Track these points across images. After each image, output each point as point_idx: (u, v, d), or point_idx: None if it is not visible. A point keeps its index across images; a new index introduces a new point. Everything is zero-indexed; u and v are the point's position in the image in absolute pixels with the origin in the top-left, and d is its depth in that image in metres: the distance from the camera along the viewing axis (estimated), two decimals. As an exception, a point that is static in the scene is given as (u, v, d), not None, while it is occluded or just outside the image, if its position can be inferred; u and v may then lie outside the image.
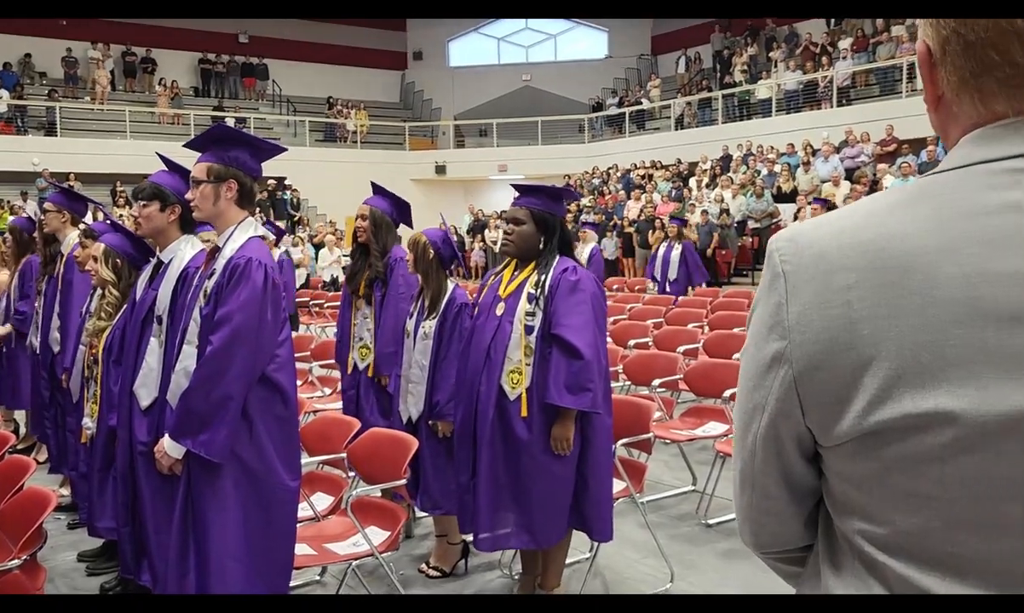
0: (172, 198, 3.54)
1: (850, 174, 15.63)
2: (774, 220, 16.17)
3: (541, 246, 3.61)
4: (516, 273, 3.66)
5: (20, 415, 6.85)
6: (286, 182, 22.01)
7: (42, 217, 5.56)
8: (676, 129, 22.93)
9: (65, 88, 23.06)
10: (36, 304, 5.64)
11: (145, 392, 3.37)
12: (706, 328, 8.34)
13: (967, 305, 0.83)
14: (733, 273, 16.24)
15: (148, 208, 3.54)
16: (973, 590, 0.86)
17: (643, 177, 20.26)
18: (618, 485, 4.01)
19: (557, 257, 3.60)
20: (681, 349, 6.79)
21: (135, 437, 3.40)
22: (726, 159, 19.04)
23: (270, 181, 20.78)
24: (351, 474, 4.05)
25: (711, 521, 4.89)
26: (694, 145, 20.83)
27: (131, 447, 3.44)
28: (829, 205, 14.36)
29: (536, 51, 29.54)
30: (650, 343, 7.69)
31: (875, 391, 0.86)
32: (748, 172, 17.59)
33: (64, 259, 5.28)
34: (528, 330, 3.51)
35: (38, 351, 5.52)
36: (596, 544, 3.80)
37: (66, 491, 5.01)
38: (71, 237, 5.30)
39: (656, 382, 5.80)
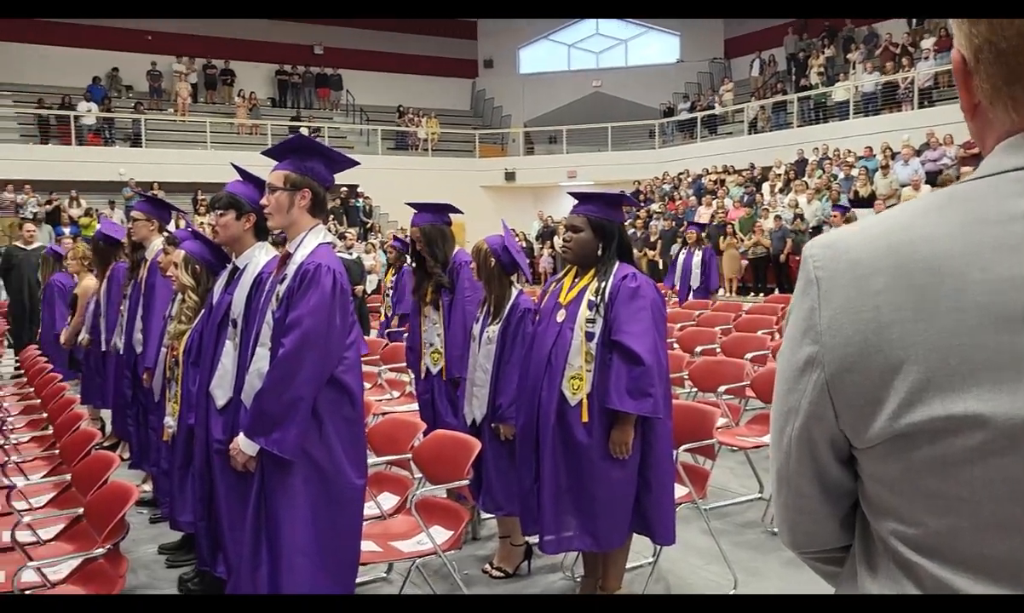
0: (247, 207, 3.69)
1: (932, 178, 15.20)
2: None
3: (600, 252, 3.65)
4: (576, 280, 3.70)
5: (106, 413, 7.15)
6: (358, 190, 22.44)
7: (130, 225, 5.80)
8: (749, 133, 22.62)
9: (150, 100, 23.97)
10: (121, 307, 5.89)
11: (221, 392, 3.51)
12: (776, 335, 8.23)
13: (994, 310, 0.85)
14: (806, 279, 15.91)
15: (225, 217, 3.69)
16: (1005, 590, 0.87)
17: (715, 182, 20.05)
18: (681, 490, 4.01)
19: (617, 264, 3.64)
20: (749, 356, 6.72)
21: (211, 435, 3.55)
22: (801, 163, 18.70)
23: (343, 189, 21.22)
24: (417, 475, 4.14)
25: (776, 529, 4.83)
26: (768, 149, 20.51)
27: (207, 445, 3.59)
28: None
29: (606, 57, 29.49)
30: (717, 349, 7.63)
31: (905, 394, 0.88)
32: (824, 176, 17.25)
33: (148, 264, 5.50)
34: (588, 336, 3.55)
35: (122, 352, 5.76)
36: (658, 548, 3.81)
37: (148, 487, 5.23)
38: (156, 243, 5.53)
39: (722, 388, 5.76)
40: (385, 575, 4.29)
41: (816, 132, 20.10)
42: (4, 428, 5.30)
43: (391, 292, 9.75)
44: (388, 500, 4.08)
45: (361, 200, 22.34)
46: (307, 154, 3.27)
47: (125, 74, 24.30)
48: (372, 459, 3.75)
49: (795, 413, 1.00)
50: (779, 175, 18.78)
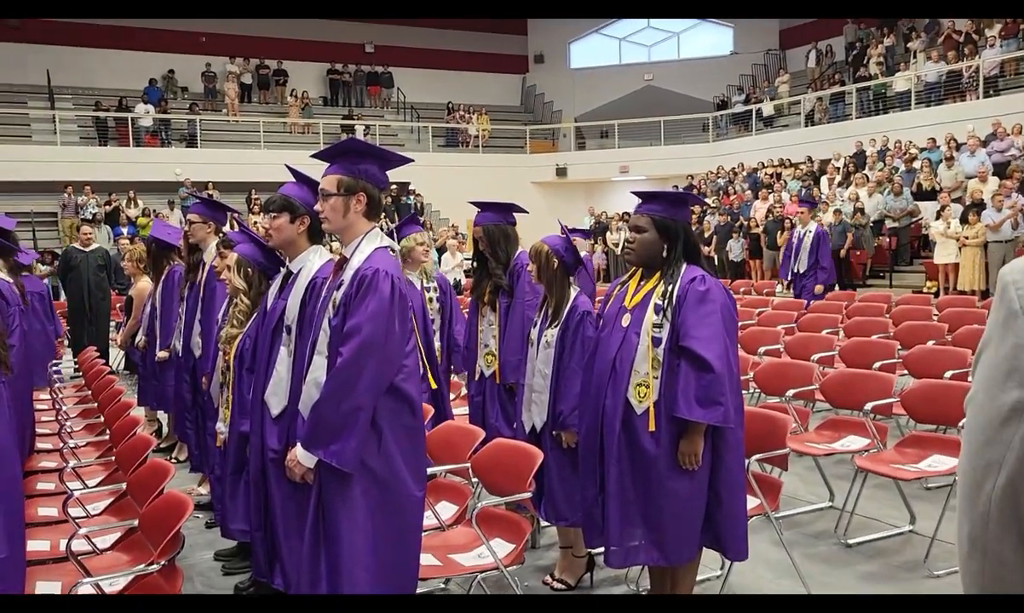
0: (301, 209, 3.59)
1: (999, 169, 14.65)
2: (914, 219, 15.35)
3: (665, 254, 3.48)
4: (642, 283, 3.54)
5: (163, 415, 7.19)
6: (410, 187, 22.47)
7: (187, 228, 5.79)
8: (806, 125, 22.13)
9: (204, 101, 24.29)
10: (179, 310, 5.89)
11: (275, 401, 3.42)
12: (841, 334, 7.95)
13: None
14: (868, 275, 15.51)
15: (278, 220, 3.59)
16: None
17: (771, 176, 19.63)
18: (752, 502, 3.83)
19: (684, 266, 3.46)
20: (815, 357, 6.48)
21: (266, 444, 3.47)
22: (860, 156, 18.19)
23: (393, 187, 21.25)
24: (474, 481, 4.02)
25: (851, 541, 4.63)
26: (825, 142, 20.02)
27: (263, 454, 3.51)
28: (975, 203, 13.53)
29: (658, 50, 29.12)
30: (781, 350, 7.39)
31: None
32: (885, 169, 16.76)
33: (206, 267, 5.48)
34: (655, 342, 3.38)
35: (180, 355, 5.75)
36: (728, 564, 3.63)
37: (205, 490, 5.20)
38: (212, 246, 5.50)
39: (790, 392, 5.53)
40: (444, 587, 4.18)
41: (876, 123, 19.55)
42: (63, 431, 5.31)
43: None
44: (447, 509, 3.97)
45: (412, 197, 22.36)
46: (359, 156, 3.15)
47: (181, 76, 24.68)
48: (430, 468, 3.64)
49: (997, 469, 0.84)
50: (838, 168, 18.31)
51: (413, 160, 3.65)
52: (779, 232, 15.71)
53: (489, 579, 3.89)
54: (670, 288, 3.42)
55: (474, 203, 4.88)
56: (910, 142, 17.32)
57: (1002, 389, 0.81)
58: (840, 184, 17.53)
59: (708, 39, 28.51)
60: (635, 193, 3.74)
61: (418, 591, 3.45)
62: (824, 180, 18.28)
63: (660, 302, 3.42)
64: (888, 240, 15.33)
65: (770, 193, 18.11)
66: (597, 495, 3.52)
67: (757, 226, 17.16)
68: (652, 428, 3.38)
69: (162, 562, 2.99)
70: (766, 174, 19.97)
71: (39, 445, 5.36)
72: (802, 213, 11.12)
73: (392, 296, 2.98)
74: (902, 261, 15.45)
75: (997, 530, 0.86)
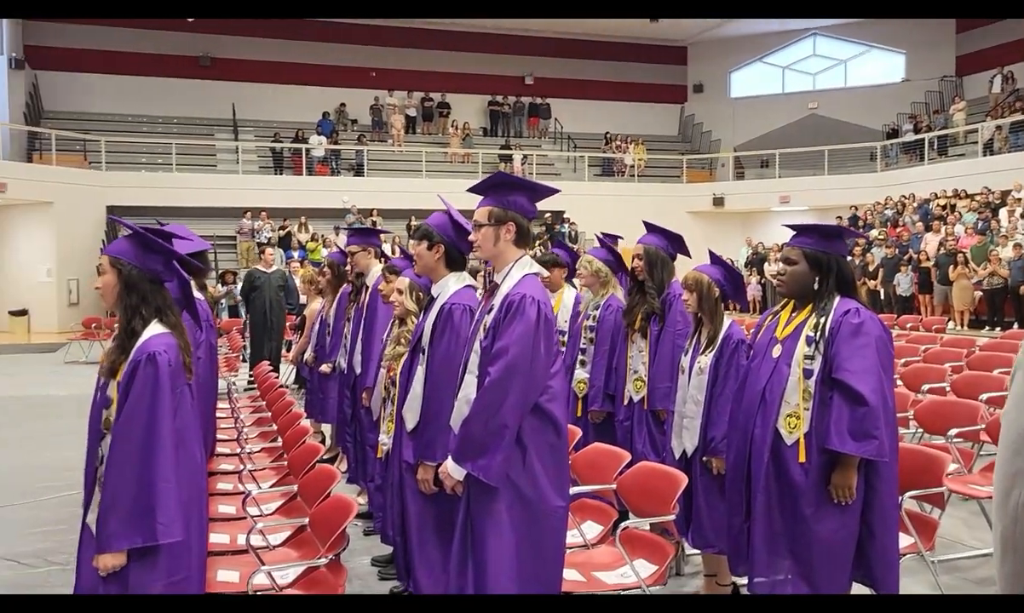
0: (437, 237, 3.81)
1: None
2: (1106, 255, 14.21)
3: (817, 286, 3.47)
4: (793, 314, 3.54)
5: (326, 428, 7.64)
6: (564, 215, 22.76)
7: (350, 258, 6.20)
8: (984, 155, 20.85)
9: (372, 133, 25.58)
10: (344, 330, 6.28)
11: (410, 416, 3.65)
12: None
13: None
14: (1053, 314, 14.44)
15: (418, 247, 3.85)
16: None
17: (943, 207, 18.61)
18: (905, 540, 3.72)
19: (837, 298, 3.44)
20: (984, 397, 6.14)
21: (402, 456, 3.69)
22: (1045, 186, 16.99)
23: (547, 215, 21.60)
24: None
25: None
26: (1006, 172, 18.78)
27: (400, 465, 3.74)
28: None
29: (824, 78, 28.25)
30: (947, 388, 7.04)
31: None
32: (1072, 200, 15.59)
33: (369, 290, 5.83)
34: (807, 373, 3.37)
35: (344, 371, 6.13)
36: (880, 602, 3.54)
37: (363, 500, 5.51)
38: (375, 270, 5.85)
39: (953, 431, 5.29)
40: (586, 605, 4.26)
41: (1064, 153, 18.21)
42: (240, 437, 5.77)
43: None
44: (592, 529, 4.06)
45: (567, 225, 22.64)
46: (509, 189, 3.34)
47: (351, 109, 26.09)
48: (575, 488, 3.75)
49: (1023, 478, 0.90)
50: (1019, 200, 17.16)
51: (560, 190, 3.81)
52: (951, 267, 14.90)
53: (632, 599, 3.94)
54: (822, 320, 3.42)
55: (645, 222, 5.00)
56: (1103, 172, 16.04)
57: None
58: (1022, 216, 16.42)
59: (877, 66, 27.42)
60: (788, 226, 3.75)
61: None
62: (1003, 212, 17.17)
63: (812, 334, 3.42)
64: (1076, 277, 14.26)
65: (943, 225, 17.19)
66: (743, 523, 3.53)
67: (928, 260, 16.33)
68: (802, 459, 3.37)
69: (330, 557, 3.25)
70: (938, 205, 18.96)
71: (218, 450, 5.84)
72: None
73: (538, 320, 3.13)
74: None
75: None
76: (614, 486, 4.03)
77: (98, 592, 2.83)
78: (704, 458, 4.04)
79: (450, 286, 3.78)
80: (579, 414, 5.24)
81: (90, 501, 2.92)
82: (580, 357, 5.33)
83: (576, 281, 5.95)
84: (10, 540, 5.32)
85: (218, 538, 3.93)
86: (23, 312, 19.58)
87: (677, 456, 4.19)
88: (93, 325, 15.89)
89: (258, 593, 3.17)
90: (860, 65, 27.72)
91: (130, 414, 2.80)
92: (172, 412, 2.83)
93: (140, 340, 2.88)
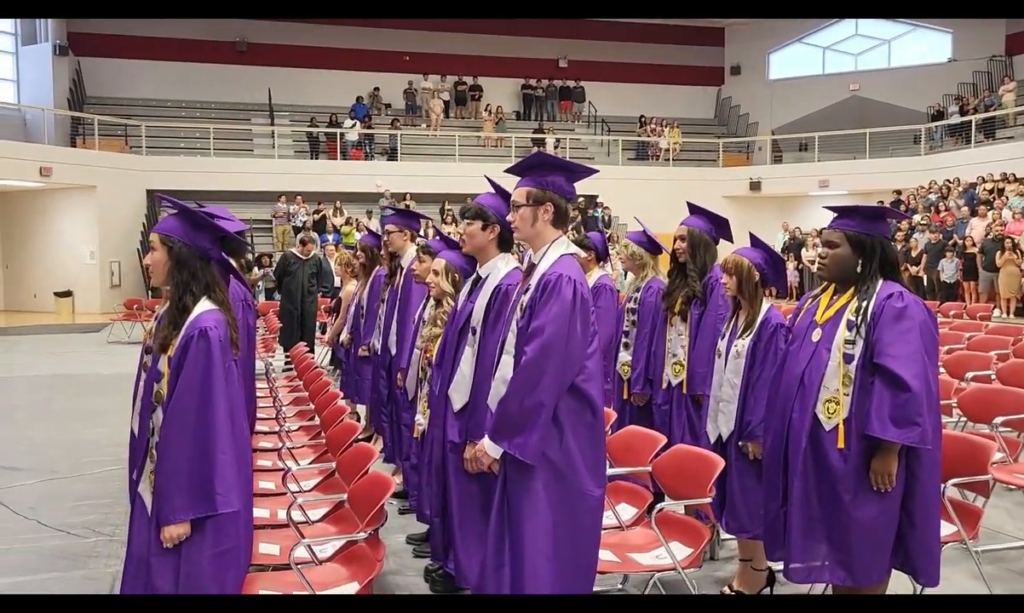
0: (492, 218, 3.80)
1: None
2: None
3: (859, 269, 3.41)
4: (834, 298, 3.48)
5: (361, 408, 7.70)
6: (598, 200, 22.63)
7: (385, 238, 6.21)
8: (1033, 137, 20.39)
9: (405, 117, 25.63)
10: (379, 311, 6.31)
11: (458, 396, 3.65)
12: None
13: None
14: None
15: (471, 226, 3.84)
16: None
17: (991, 191, 18.22)
18: (947, 528, 3.66)
19: (880, 282, 3.38)
20: (1031, 385, 6.03)
21: (447, 437, 3.70)
22: (1095, 170, 16.57)
23: (580, 199, 21.50)
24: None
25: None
26: (1056, 155, 18.37)
27: (444, 445, 3.75)
28: None
29: (866, 58, 27.72)
30: (992, 376, 6.92)
31: None
32: (1123, 184, 15.19)
33: (403, 272, 5.85)
34: (847, 358, 3.32)
35: (379, 353, 6.17)
36: (920, 588, 3.49)
37: (398, 479, 5.55)
38: (410, 251, 5.87)
39: (998, 420, 5.19)
40: (620, 587, 4.27)
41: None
42: (279, 416, 5.84)
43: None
44: (626, 511, 4.05)
45: (600, 210, 22.52)
46: (547, 169, 3.33)
47: (385, 93, 26.17)
48: (611, 470, 3.74)
49: None
50: (1068, 184, 16.77)
51: (598, 170, 3.79)
52: (998, 253, 14.60)
53: (665, 582, 3.94)
54: (864, 304, 3.35)
55: (689, 204, 4.98)
56: None
57: None
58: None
59: (922, 46, 26.85)
60: (828, 208, 3.68)
61: (596, 588, 3.57)
62: (1052, 197, 16.80)
63: (853, 318, 3.36)
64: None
65: (989, 210, 16.83)
66: (779, 508, 3.49)
67: (974, 246, 16.02)
68: (841, 445, 3.32)
69: (369, 531, 3.29)
70: (984, 190, 18.57)
71: (258, 427, 5.92)
72: None
73: (574, 300, 3.12)
74: None
75: None
76: (649, 468, 4.02)
77: (148, 561, 2.91)
78: (740, 442, 4.01)
79: (500, 268, 3.77)
80: (625, 396, 5.23)
81: (142, 472, 2.99)
82: (623, 340, 5.32)
83: (608, 265, 5.92)
84: (60, 511, 5.47)
85: (259, 512, 3.98)
86: (68, 293, 19.96)
87: (712, 440, 4.16)
88: (135, 306, 16.17)
89: (298, 565, 3.21)
90: (904, 45, 27.16)
91: (185, 389, 2.87)
92: (225, 386, 2.89)
93: (191, 316, 2.94)
